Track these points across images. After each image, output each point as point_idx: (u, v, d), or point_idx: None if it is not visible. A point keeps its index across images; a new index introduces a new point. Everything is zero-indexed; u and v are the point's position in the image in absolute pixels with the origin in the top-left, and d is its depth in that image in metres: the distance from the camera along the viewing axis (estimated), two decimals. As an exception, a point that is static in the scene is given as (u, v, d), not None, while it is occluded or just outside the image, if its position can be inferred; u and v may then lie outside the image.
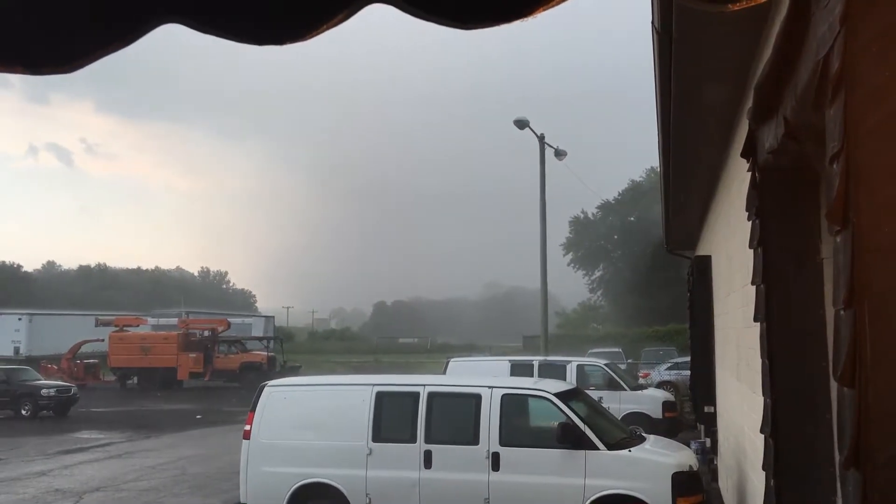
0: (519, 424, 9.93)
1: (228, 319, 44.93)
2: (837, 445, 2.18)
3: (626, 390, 18.84)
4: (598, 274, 67.09)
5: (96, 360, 41.82)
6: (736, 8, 1.19)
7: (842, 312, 2.03)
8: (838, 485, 2.90)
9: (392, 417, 9.99)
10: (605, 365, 19.89)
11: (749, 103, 4.17)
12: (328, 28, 1.03)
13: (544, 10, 1.04)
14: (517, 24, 1.05)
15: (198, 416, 27.38)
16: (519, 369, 18.56)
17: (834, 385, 2.66)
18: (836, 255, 2.11)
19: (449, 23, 1.03)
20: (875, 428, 1.87)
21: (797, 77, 2.80)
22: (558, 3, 1.05)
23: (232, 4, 1.03)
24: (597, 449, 9.17)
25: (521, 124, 26.26)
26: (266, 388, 10.61)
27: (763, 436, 4.15)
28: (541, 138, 27.41)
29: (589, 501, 8.99)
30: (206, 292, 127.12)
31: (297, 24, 1.03)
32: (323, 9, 1.01)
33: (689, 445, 12.20)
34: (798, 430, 3.80)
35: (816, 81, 2.35)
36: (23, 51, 1.01)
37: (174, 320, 48.25)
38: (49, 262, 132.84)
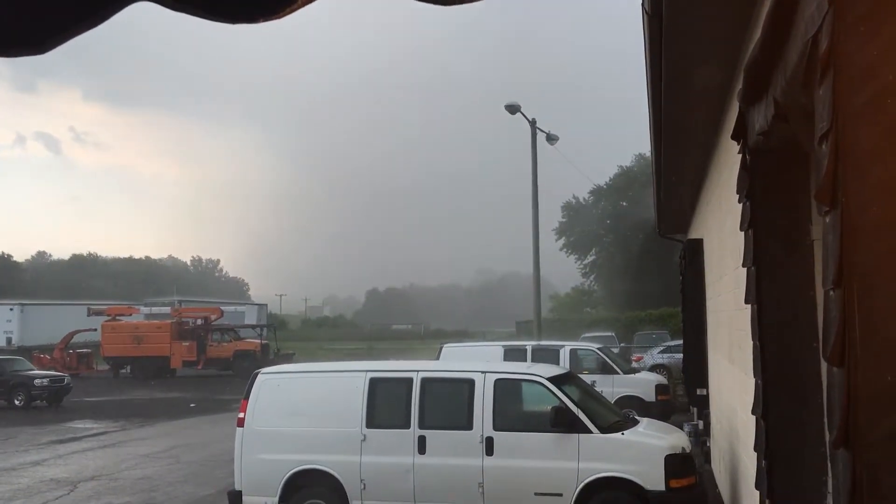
0: (512, 409, 9.95)
1: (221, 308, 44.94)
2: (827, 425, 2.19)
3: (619, 374, 18.89)
4: (590, 258, 67.07)
5: (89, 350, 41.78)
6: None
7: (831, 292, 2.04)
8: (829, 465, 2.92)
9: (386, 403, 10.00)
10: (598, 349, 19.92)
11: (739, 85, 4.16)
12: (302, 4, 1.01)
13: None
14: (498, 2, 1.03)
15: (191, 405, 27.39)
16: (512, 354, 18.58)
17: (824, 366, 2.67)
18: (826, 236, 2.11)
19: None
20: (864, 407, 1.88)
21: (786, 58, 2.79)
22: None
23: None
24: (590, 432, 9.21)
25: (513, 109, 26.21)
26: (259, 376, 10.60)
27: (754, 417, 4.17)
28: (532, 123, 27.38)
29: (583, 484, 9.03)
30: (199, 281, 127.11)
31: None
32: None
33: (681, 428, 12.26)
34: (789, 411, 3.82)
35: (805, 62, 2.34)
36: None
37: (167, 309, 48.19)
38: (40, 253, 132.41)
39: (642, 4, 5.63)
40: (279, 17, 1.03)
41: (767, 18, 3.03)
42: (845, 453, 1.95)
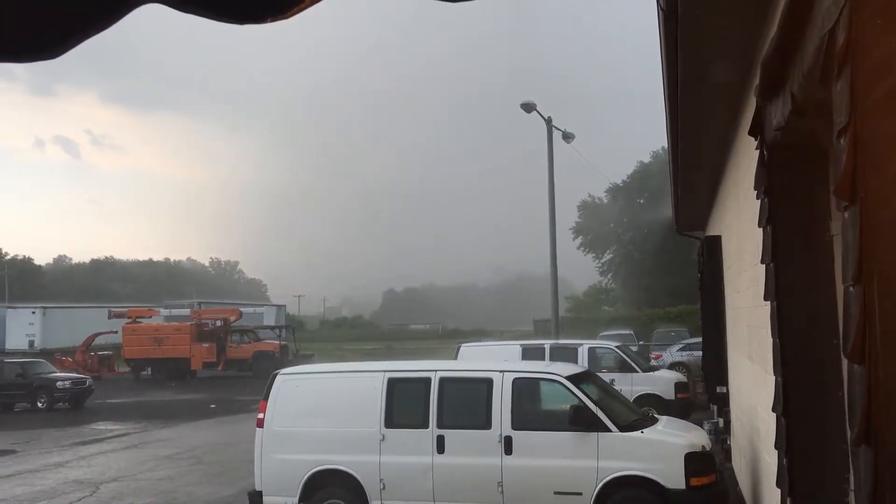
0: (531, 408, 9.94)
1: (240, 309, 45.16)
2: (848, 422, 2.18)
3: (637, 372, 18.80)
4: (608, 257, 66.90)
5: (110, 352, 42.19)
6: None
7: (851, 289, 2.02)
8: (850, 462, 2.89)
9: (404, 403, 10.01)
10: (617, 347, 19.85)
11: (756, 80, 4.13)
12: (310, 3, 1.01)
13: None
14: (516, 3, 1.03)
15: (212, 406, 27.56)
16: (530, 353, 18.55)
17: (845, 362, 2.64)
18: (845, 231, 2.09)
19: None
20: (885, 404, 1.86)
21: (803, 52, 2.77)
22: None
23: None
24: (609, 431, 9.17)
25: (528, 107, 26.15)
26: (278, 377, 10.64)
27: (775, 414, 4.14)
28: (548, 121, 27.31)
29: (602, 483, 9.00)
30: (218, 282, 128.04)
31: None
32: None
33: (701, 426, 12.20)
34: (810, 408, 3.79)
35: (822, 56, 2.33)
36: (6, 40, 1.00)
37: (186, 311, 48.49)
38: (60, 256, 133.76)
39: (657, 1, 5.60)
40: (286, 17, 1.04)
41: (784, 13, 3.01)
42: (867, 450, 1.93)
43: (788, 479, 3.86)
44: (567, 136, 28.36)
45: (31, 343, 49.87)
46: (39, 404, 27.58)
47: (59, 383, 27.94)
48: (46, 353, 41.20)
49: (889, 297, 1.87)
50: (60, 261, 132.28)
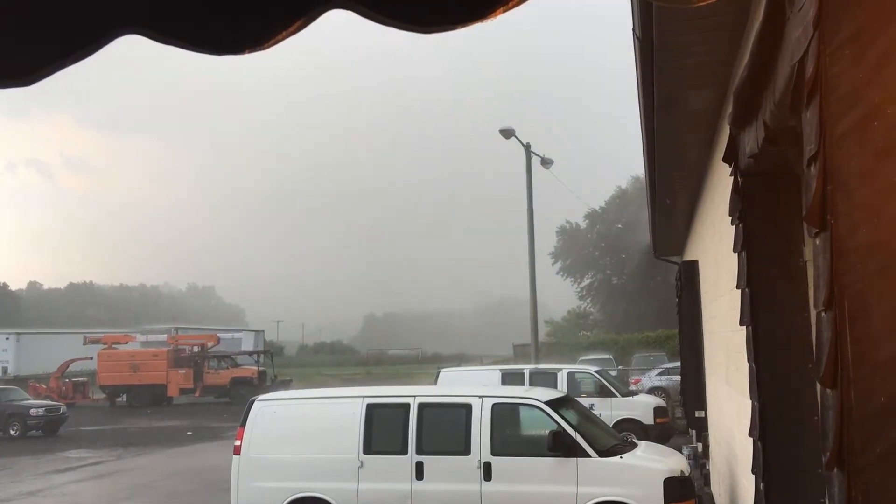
0: (510, 433, 9.91)
1: (218, 334, 44.72)
2: (822, 447, 2.19)
3: (617, 397, 18.83)
4: (587, 281, 67.22)
5: (85, 379, 41.54)
6: (701, 4, 1.20)
7: (822, 314, 2.04)
8: (825, 486, 2.91)
9: (383, 429, 9.95)
10: (596, 372, 19.87)
11: (730, 108, 4.20)
12: (287, 36, 1.03)
13: (504, 11, 1.04)
14: (480, 27, 1.05)
15: (188, 433, 27.20)
16: (510, 378, 18.52)
17: (819, 386, 2.66)
18: (816, 257, 2.12)
19: (409, 27, 1.03)
20: (857, 428, 1.88)
21: (775, 81, 2.82)
22: (518, 4, 1.05)
23: (189, 14, 1.03)
24: (588, 456, 9.16)
25: (507, 133, 26.31)
26: (256, 403, 10.55)
27: (752, 439, 4.16)
28: (527, 147, 27.48)
29: (582, 509, 8.97)
30: (195, 307, 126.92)
31: (255, 32, 1.03)
32: (281, 16, 1.02)
33: (680, 451, 12.20)
34: (785, 432, 3.81)
35: (792, 85, 2.37)
36: None
37: (163, 336, 47.89)
38: (35, 281, 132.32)
39: (633, 29, 5.68)
40: (264, 49, 1.05)
41: (755, 42, 3.07)
42: (839, 474, 1.94)
43: (766, 503, 3.87)
44: (545, 162, 28.54)
45: (5, 370, 49.05)
46: (12, 432, 27.12)
47: (32, 410, 27.50)
48: (20, 380, 40.48)
49: (859, 323, 1.90)
50: (35, 286, 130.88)
